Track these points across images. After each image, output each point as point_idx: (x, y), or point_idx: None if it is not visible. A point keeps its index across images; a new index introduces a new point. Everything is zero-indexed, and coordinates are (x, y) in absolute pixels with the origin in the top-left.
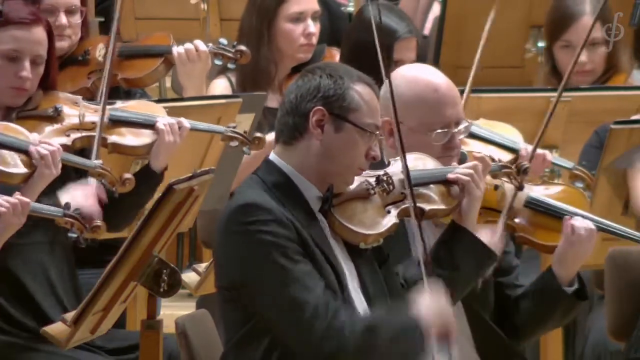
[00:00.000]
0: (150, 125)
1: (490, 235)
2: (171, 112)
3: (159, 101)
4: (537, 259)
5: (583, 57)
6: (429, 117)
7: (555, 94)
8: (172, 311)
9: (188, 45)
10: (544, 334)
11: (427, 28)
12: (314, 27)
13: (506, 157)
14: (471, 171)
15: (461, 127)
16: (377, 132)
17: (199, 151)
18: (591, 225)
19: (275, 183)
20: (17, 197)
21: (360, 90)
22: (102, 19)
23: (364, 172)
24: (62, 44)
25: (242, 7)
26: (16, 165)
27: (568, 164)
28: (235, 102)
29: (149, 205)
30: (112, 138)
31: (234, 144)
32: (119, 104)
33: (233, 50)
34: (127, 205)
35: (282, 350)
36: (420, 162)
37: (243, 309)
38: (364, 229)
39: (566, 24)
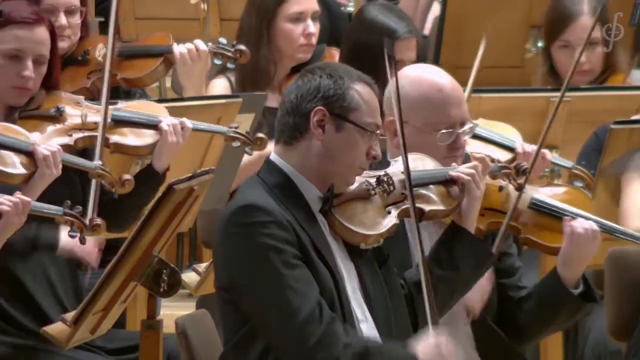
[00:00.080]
0: (152, 126)
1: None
2: (171, 112)
3: (159, 101)
4: (536, 260)
5: (582, 57)
6: (434, 117)
7: (554, 94)
8: (172, 311)
9: (188, 45)
10: (548, 335)
11: (427, 28)
12: (313, 27)
13: (505, 156)
14: (471, 171)
15: (466, 127)
16: (378, 132)
17: (199, 151)
18: (594, 226)
19: (276, 183)
20: (18, 197)
21: (360, 90)
22: (102, 19)
23: (364, 173)
24: (61, 44)
25: (242, 7)
26: (17, 166)
27: (567, 163)
28: (235, 102)
29: (149, 205)
30: (115, 138)
31: (236, 144)
32: (121, 104)
33: (232, 50)
34: (129, 205)
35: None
36: (420, 163)
37: (241, 310)
38: (364, 229)
39: (564, 23)
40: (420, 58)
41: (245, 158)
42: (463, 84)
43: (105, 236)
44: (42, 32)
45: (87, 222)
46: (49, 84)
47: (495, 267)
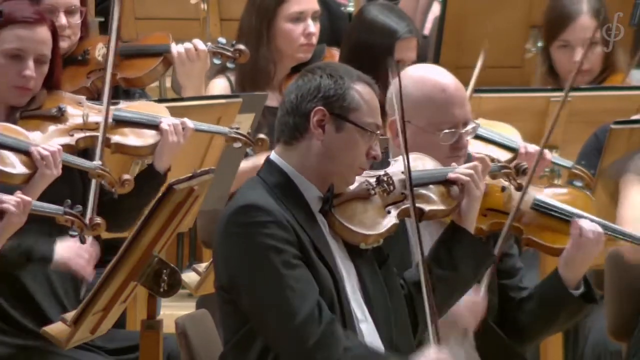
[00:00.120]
0: (154, 126)
1: (473, 292)
2: (171, 112)
3: (158, 101)
4: (536, 261)
5: (580, 57)
6: (437, 117)
7: (554, 94)
8: (172, 311)
9: (187, 45)
10: (548, 336)
11: (427, 28)
12: (314, 27)
13: (506, 156)
14: (471, 171)
15: (469, 127)
16: (378, 132)
17: (199, 151)
18: (599, 228)
19: (276, 183)
20: (18, 196)
21: (360, 90)
22: (102, 19)
23: (364, 172)
24: (61, 44)
25: (242, 7)
26: (17, 166)
27: (567, 163)
28: (235, 102)
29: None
30: (116, 138)
31: (238, 145)
32: (123, 104)
33: (232, 50)
34: (130, 205)
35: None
36: (420, 163)
37: (241, 310)
38: (364, 229)
39: (564, 23)
40: (420, 58)
41: (242, 165)
42: (463, 84)
43: (105, 236)
44: (43, 32)
45: (87, 221)
46: (51, 83)
47: (497, 267)
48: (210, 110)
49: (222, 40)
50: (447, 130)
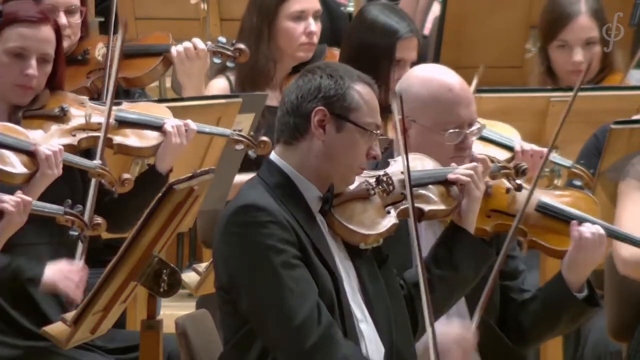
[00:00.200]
0: (156, 127)
1: (461, 328)
2: (171, 112)
3: (158, 101)
4: (537, 262)
5: (579, 57)
6: (442, 116)
7: (554, 94)
8: (172, 311)
9: (187, 44)
10: (550, 339)
11: (427, 28)
12: (315, 26)
13: (505, 155)
14: (471, 172)
15: (474, 128)
16: (378, 131)
17: (199, 151)
18: (601, 230)
19: (276, 183)
20: (19, 196)
21: (360, 90)
22: (102, 19)
23: (364, 172)
24: None
25: (242, 7)
26: (18, 166)
27: (567, 162)
28: (235, 102)
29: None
30: (118, 139)
31: (240, 147)
32: (125, 105)
33: (232, 49)
34: (132, 206)
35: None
36: (419, 163)
37: (241, 310)
38: (363, 229)
39: (562, 23)
40: (420, 58)
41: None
42: None
43: (106, 236)
44: (47, 31)
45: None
46: (54, 83)
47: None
48: (210, 110)
49: (222, 39)
50: (452, 130)
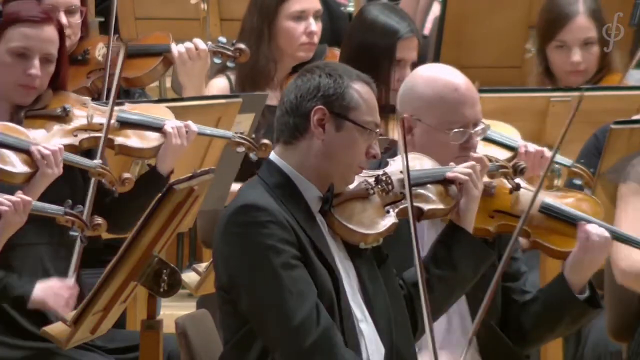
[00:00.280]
0: (157, 128)
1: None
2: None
3: (159, 101)
4: (537, 262)
5: (577, 57)
6: (447, 116)
7: (554, 94)
8: (172, 311)
9: (187, 44)
10: (552, 340)
11: (427, 28)
12: (315, 26)
13: (505, 155)
14: (469, 171)
15: (479, 128)
16: (377, 130)
17: (199, 151)
18: (606, 233)
19: (276, 183)
20: (19, 196)
21: (359, 89)
22: (102, 19)
23: (363, 172)
24: None
25: (242, 7)
26: (18, 165)
27: (567, 161)
28: (235, 102)
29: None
30: (120, 140)
31: (241, 149)
32: (127, 105)
33: (232, 49)
34: (132, 207)
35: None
36: (418, 162)
37: (241, 310)
38: (363, 228)
39: (560, 24)
40: (420, 58)
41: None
42: None
43: (106, 236)
44: (50, 31)
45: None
46: (57, 83)
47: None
48: (210, 110)
49: (223, 39)
50: (457, 130)
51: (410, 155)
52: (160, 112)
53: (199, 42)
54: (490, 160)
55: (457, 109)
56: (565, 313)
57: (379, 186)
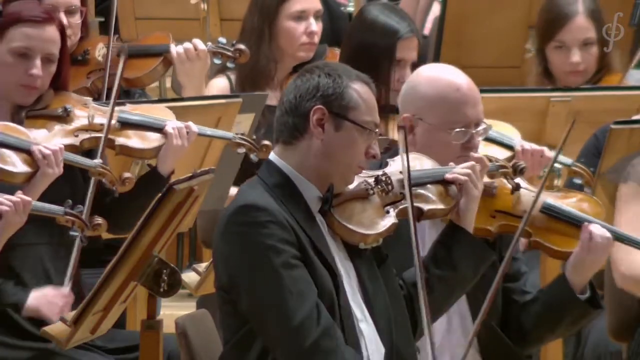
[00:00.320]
0: (158, 129)
1: None
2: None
3: (158, 101)
4: (537, 262)
5: (576, 57)
6: (449, 115)
7: (554, 94)
8: (172, 311)
9: (187, 45)
10: (552, 340)
11: (427, 28)
12: (316, 26)
13: (505, 154)
14: (469, 171)
15: (480, 128)
16: (377, 130)
17: (199, 151)
18: (607, 233)
19: (276, 184)
20: (19, 196)
21: (358, 89)
22: (102, 19)
23: (363, 172)
24: None
25: (242, 7)
26: (18, 165)
27: (567, 160)
28: (235, 102)
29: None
30: (120, 140)
31: (241, 150)
32: (129, 106)
33: (232, 49)
34: (133, 207)
35: None
36: (417, 162)
37: (241, 310)
38: (362, 229)
39: (559, 24)
40: (420, 58)
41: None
42: None
43: (106, 236)
44: (51, 31)
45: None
46: (58, 84)
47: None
48: (210, 110)
49: (223, 40)
50: (458, 129)
51: (411, 155)
52: (161, 113)
53: (198, 42)
54: (490, 161)
55: (459, 109)
56: (566, 313)
57: (379, 186)
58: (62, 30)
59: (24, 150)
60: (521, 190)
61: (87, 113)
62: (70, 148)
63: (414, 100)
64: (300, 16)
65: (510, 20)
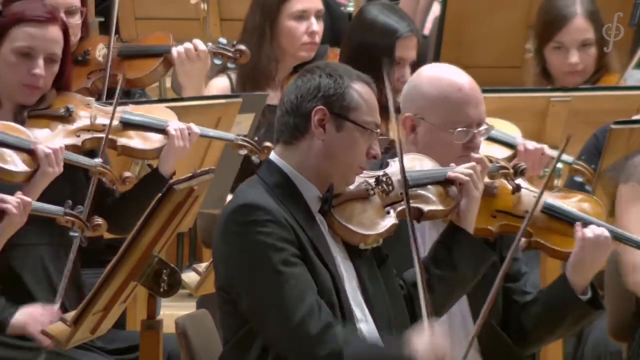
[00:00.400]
0: (160, 130)
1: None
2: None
3: (159, 101)
4: (537, 262)
5: (575, 58)
6: (451, 115)
7: (554, 94)
8: (172, 311)
9: (187, 45)
10: (552, 341)
11: (427, 28)
12: (317, 26)
13: (506, 153)
14: (470, 171)
15: (482, 128)
16: (378, 131)
17: (199, 151)
18: (606, 233)
19: (276, 183)
20: (19, 196)
21: (359, 89)
22: (102, 19)
23: (363, 173)
24: None
25: (242, 7)
26: (19, 164)
27: (568, 158)
28: (235, 102)
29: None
30: (122, 141)
31: (243, 152)
32: (131, 106)
33: (232, 50)
34: (133, 208)
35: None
36: (418, 163)
37: (241, 309)
38: (363, 229)
39: (558, 25)
40: (420, 58)
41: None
42: None
43: (107, 236)
44: (54, 31)
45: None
46: (60, 84)
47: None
48: (211, 110)
49: (223, 40)
50: (460, 129)
51: (411, 156)
52: (163, 114)
53: (198, 42)
54: (491, 161)
55: (461, 109)
56: (567, 314)
57: (379, 187)
58: (65, 30)
59: (24, 150)
60: (523, 191)
61: (89, 113)
62: (72, 148)
63: (415, 99)
64: (302, 16)
65: (510, 20)
